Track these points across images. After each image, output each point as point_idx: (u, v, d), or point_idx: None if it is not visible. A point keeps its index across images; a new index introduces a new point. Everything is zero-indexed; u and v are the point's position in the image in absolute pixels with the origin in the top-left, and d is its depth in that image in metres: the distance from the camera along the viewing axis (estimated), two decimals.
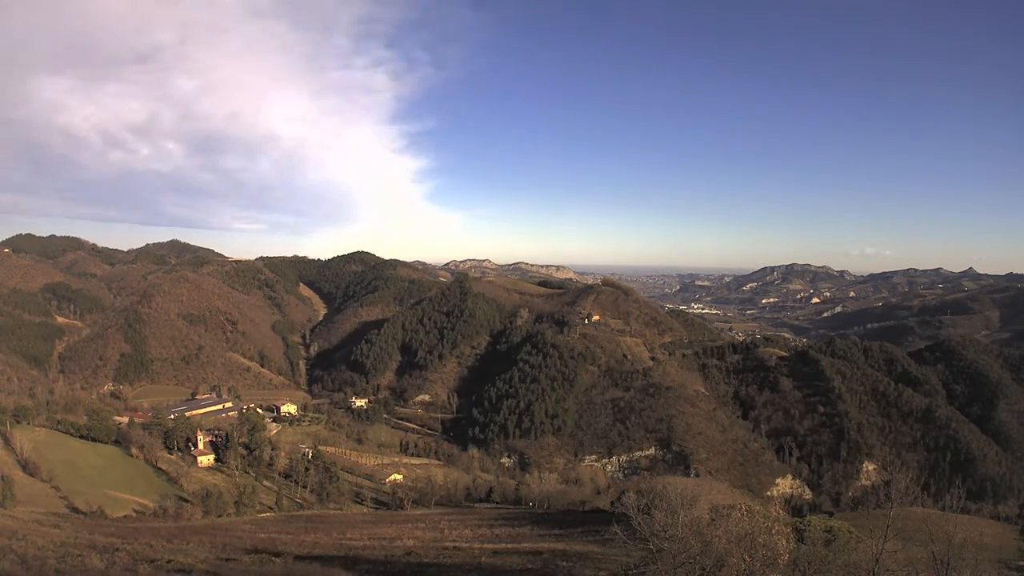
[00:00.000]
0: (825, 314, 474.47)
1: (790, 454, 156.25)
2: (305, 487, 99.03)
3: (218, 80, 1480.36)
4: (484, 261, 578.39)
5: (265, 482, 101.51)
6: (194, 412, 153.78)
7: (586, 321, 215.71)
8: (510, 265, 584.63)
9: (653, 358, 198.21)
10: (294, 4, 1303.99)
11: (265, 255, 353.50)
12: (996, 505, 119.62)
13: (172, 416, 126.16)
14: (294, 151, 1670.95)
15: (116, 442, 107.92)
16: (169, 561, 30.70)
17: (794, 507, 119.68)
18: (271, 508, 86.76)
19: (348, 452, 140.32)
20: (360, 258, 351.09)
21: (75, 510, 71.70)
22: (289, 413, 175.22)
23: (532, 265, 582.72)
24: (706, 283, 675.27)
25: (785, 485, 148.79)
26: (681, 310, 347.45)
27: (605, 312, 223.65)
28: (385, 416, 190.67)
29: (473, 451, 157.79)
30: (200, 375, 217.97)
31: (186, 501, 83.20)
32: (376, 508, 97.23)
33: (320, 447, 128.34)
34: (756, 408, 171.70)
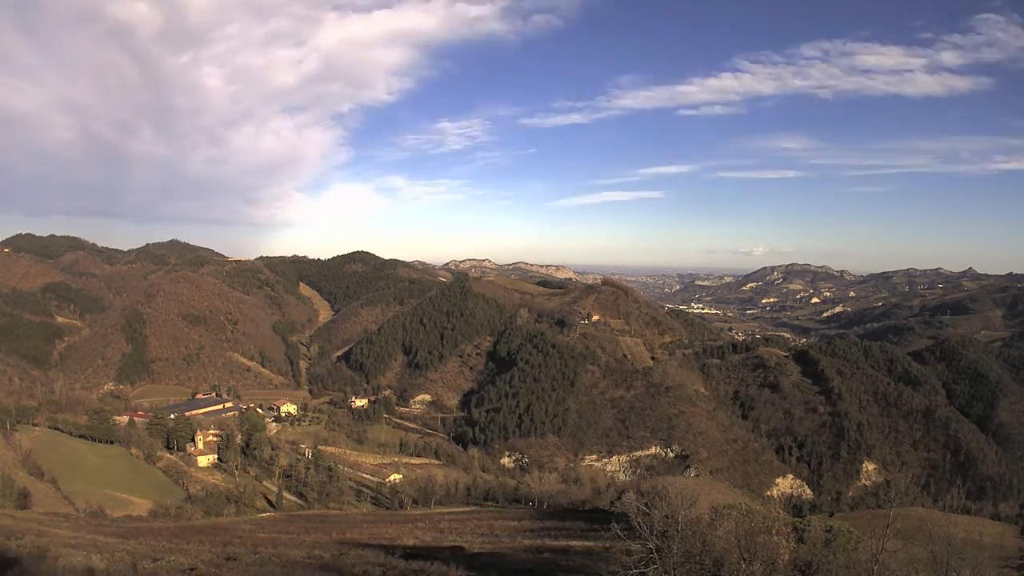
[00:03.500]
0: (825, 314, 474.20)
1: (790, 454, 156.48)
2: (305, 487, 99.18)
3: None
4: (484, 261, 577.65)
5: (265, 482, 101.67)
6: (194, 412, 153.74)
7: (586, 321, 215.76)
8: (510, 265, 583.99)
9: (653, 358, 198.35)
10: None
11: (265, 255, 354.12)
12: (996, 505, 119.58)
13: (172, 416, 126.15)
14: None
15: (117, 442, 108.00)
16: (170, 560, 30.77)
17: (794, 507, 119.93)
18: (271, 508, 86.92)
19: (348, 452, 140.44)
20: (360, 258, 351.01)
21: (77, 510, 71.77)
22: (289, 413, 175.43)
23: (532, 265, 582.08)
24: (706, 283, 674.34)
25: (785, 485, 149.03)
26: (681, 310, 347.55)
27: (605, 312, 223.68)
28: (385, 416, 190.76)
29: (473, 451, 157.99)
30: (201, 375, 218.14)
31: (186, 501, 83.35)
32: (376, 508, 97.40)
33: (320, 447, 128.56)
34: (756, 408, 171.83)
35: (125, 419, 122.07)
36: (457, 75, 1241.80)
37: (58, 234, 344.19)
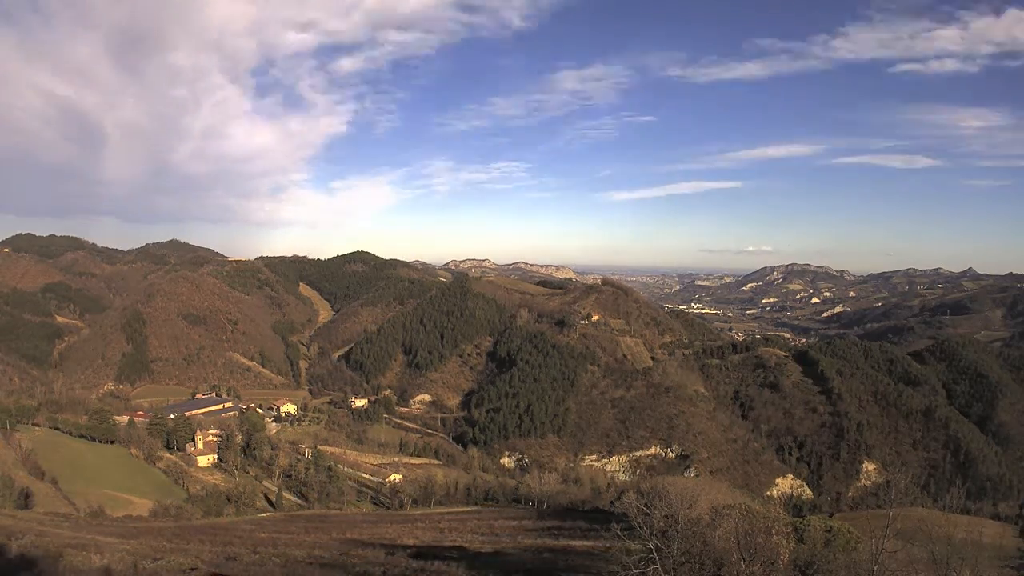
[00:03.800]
0: (825, 314, 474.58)
1: (790, 454, 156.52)
2: (305, 487, 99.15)
3: None
4: (484, 261, 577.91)
5: (265, 482, 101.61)
6: (194, 412, 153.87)
7: (586, 321, 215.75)
8: (510, 265, 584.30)
9: (653, 358, 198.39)
10: None
11: (265, 255, 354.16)
12: (996, 505, 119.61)
13: (172, 416, 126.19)
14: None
15: (117, 442, 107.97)
16: (171, 560, 30.82)
17: (794, 507, 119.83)
18: (271, 508, 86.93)
19: (348, 452, 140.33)
20: (360, 258, 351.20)
21: (77, 510, 71.77)
22: (289, 413, 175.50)
23: (532, 265, 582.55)
24: (706, 283, 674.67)
25: (785, 485, 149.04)
26: (681, 310, 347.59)
27: (605, 312, 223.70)
28: (385, 416, 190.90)
29: (473, 451, 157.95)
30: (201, 375, 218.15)
31: (186, 501, 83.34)
32: (376, 508, 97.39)
33: (320, 447, 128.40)
34: (756, 408, 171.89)
35: (125, 419, 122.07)
36: None
37: (58, 234, 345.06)
